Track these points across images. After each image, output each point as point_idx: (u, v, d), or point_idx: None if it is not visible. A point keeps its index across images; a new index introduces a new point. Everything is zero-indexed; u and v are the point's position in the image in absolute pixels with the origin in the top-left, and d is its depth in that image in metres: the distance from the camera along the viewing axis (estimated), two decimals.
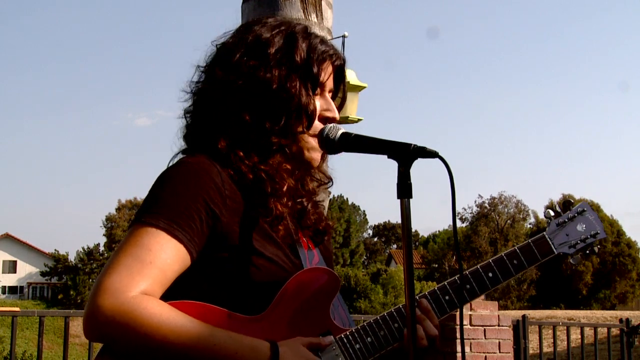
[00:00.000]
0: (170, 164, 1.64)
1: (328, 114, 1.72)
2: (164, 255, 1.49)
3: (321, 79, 1.71)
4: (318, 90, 1.72)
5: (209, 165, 1.58)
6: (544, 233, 1.82)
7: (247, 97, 1.65)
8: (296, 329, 1.58)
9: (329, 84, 1.75)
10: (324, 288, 1.62)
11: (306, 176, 1.79)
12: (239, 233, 1.57)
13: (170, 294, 1.51)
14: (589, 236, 1.85)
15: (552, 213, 1.85)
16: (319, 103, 1.72)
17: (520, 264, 1.77)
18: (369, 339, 1.65)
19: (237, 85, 1.66)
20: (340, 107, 1.80)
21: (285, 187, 1.66)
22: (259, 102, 1.65)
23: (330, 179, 1.87)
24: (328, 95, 1.75)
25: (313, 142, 1.70)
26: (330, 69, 1.75)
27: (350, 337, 1.64)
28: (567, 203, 1.87)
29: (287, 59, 1.68)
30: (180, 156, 1.69)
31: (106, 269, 1.47)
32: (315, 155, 1.72)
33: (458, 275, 1.72)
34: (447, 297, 1.72)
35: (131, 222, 1.55)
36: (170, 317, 1.44)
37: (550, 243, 1.81)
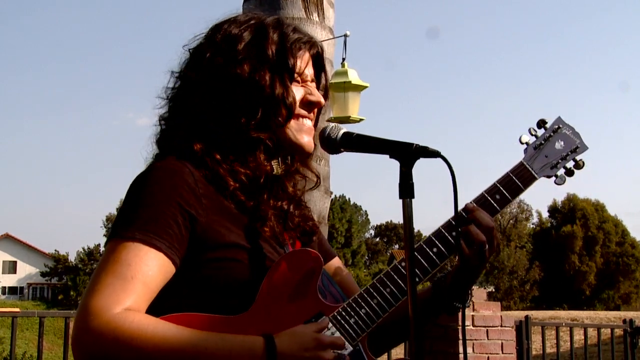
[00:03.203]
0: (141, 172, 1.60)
1: (312, 98, 1.70)
2: (145, 268, 1.46)
3: (298, 67, 1.68)
4: (299, 79, 1.70)
5: (179, 166, 1.56)
6: (522, 160, 1.75)
7: (219, 96, 1.63)
8: (287, 317, 1.56)
9: (309, 73, 1.73)
10: (306, 269, 1.60)
11: (285, 180, 1.75)
12: (219, 231, 1.55)
13: (154, 306, 1.48)
14: (569, 152, 1.78)
15: (526, 138, 1.78)
16: (300, 91, 1.69)
17: (503, 197, 1.72)
18: (363, 310, 1.62)
19: (208, 85, 1.65)
20: (325, 97, 1.77)
21: (266, 194, 1.65)
22: (233, 99, 1.63)
23: (318, 177, 1.82)
24: (311, 84, 1.73)
25: (298, 124, 1.69)
26: (307, 57, 1.72)
27: (343, 312, 1.61)
28: (541, 122, 1.79)
29: (257, 51, 1.65)
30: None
31: (88, 291, 1.45)
32: (305, 138, 1.70)
33: (444, 223, 1.70)
34: (434, 249, 1.68)
35: (107, 237, 1.52)
36: (159, 328, 1.42)
37: (530, 169, 1.74)
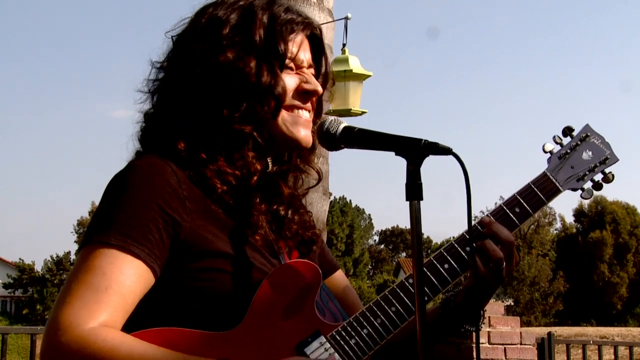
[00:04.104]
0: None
1: (307, 87, 1.70)
2: (121, 278, 1.47)
3: (289, 52, 1.68)
4: (292, 66, 1.70)
5: (161, 165, 1.56)
6: (545, 170, 1.77)
7: (202, 87, 1.64)
8: (280, 335, 1.57)
9: (305, 58, 1.73)
10: (303, 283, 1.61)
11: (281, 180, 1.76)
12: (205, 237, 1.56)
13: (131, 320, 1.49)
14: (597, 163, 1.79)
15: (550, 147, 1.79)
16: (293, 79, 1.69)
17: (523, 211, 1.74)
18: (365, 330, 1.63)
19: (191, 75, 1.65)
20: (324, 85, 1.78)
21: (258, 197, 1.66)
22: (216, 90, 1.63)
23: (319, 174, 1.83)
24: (308, 70, 1.73)
25: (292, 116, 1.69)
26: (300, 39, 1.71)
27: (343, 332, 1.62)
28: (567, 130, 1.80)
29: (243, 36, 1.65)
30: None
31: (58, 302, 1.46)
32: (302, 131, 1.70)
33: (456, 238, 1.72)
34: (446, 265, 1.70)
35: (81, 243, 1.53)
36: (134, 348, 1.43)
37: (554, 180, 1.76)
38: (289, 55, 1.68)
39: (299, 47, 1.70)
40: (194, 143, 1.62)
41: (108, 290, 1.45)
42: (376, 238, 70.66)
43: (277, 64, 1.66)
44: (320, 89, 1.73)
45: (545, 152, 1.79)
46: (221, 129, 1.63)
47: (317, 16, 5.49)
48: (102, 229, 1.51)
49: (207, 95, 1.64)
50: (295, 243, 1.76)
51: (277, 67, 1.66)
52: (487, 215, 1.74)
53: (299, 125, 1.70)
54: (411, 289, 1.67)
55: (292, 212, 1.76)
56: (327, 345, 1.60)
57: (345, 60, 6.21)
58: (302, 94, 1.71)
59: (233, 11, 1.69)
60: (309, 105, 1.73)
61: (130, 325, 1.49)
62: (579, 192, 1.80)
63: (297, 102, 1.70)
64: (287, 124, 1.68)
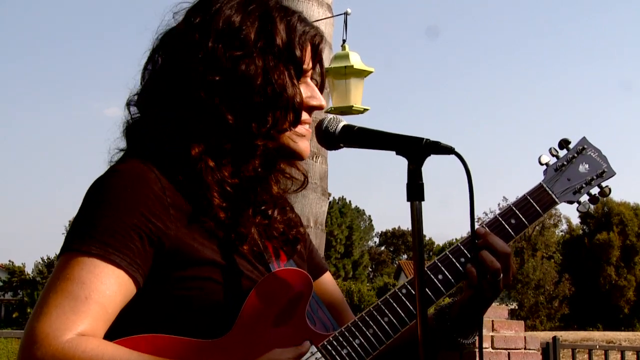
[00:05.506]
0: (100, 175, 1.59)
1: (313, 102, 1.72)
2: (101, 287, 1.46)
3: (305, 64, 1.69)
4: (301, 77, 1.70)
5: (145, 171, 1.55)
6: (541, 182, 1.81)
7: (228, 96, 1.61)
8: (269, 345, 1.57)
9: (310, 67, 1.74)
10: (294, 292, 1.62)
11: (269, 179, 1.76)
12: (191, 245, 1.55)
13: (112, 332, 1.49)
14: (594, 177, 1.83)
15: (546, 159, 1.83)
16: (302, 91, 1.70)
17: (519, 222, 1.77)
18: (357, 340, 1.64)
19: (214, 81, 1.61)
20: (320, 90, 1.78)
21: (251, 210, 1.66)
22: (243, 101, 1.61)
23: (305, 176, 1.83)
24: (310, 81, 1.74)
25: (300, 129, 1.70)
26: (309, 50, 1.72)
27: (334, 342, 1.63)
28: (563, 142, 1.84)
29: (269, 45, 1.64)
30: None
31: (34, 314, 1.44)
32: (305, 144, 1.71)
33: (452, 248, 1.73)
34: (440, 276, 1.72)
35: (59, 251, 1.52)
36: (116, 356, 1.42)
37: (550, 192, 1.80)
38: (304, 67, 1.69)
39: (309, 59, 1.71)
40: (206, 149, 1.60)
41: (88, 300, 1.44)
42: (376, 240, 70.77)
43: (295, 74, 1.67)
44: (324, 103, 1.75)
45: (541, 164, 1.83)
46: (243, 142, 1.62)
47: (316, 11, 5.49)
48: (81, 237, 1.50)
49: (233, 105, 1.61)
50: (280, 243, 1.76)
51: (295, 78, 1.67)
52: (483, 226, 1.76)
53: (303, 138, 1.71)
54: (404, 299, 1.68)
55: (279, 212, 1.77)
56: (318, 355, 1.61)
57: (345, 57, 6.20)
58: (308, 109, 1.72)
59: (250, 16, 1.65)
60: (310, 118, 1.74)
61: (114, 336, 1.48)
62: (575, 205, 1.83)
63: (305, 116, 1.71)
64: (292, 136, 1.69)
